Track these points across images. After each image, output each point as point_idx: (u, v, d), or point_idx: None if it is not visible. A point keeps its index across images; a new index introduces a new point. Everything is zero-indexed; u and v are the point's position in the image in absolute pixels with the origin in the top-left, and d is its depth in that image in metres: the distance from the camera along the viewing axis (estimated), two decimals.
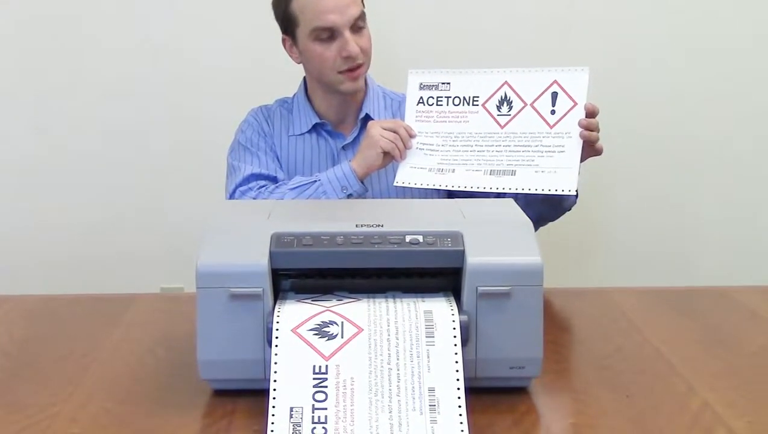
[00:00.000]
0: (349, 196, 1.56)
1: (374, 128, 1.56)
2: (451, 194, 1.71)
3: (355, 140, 1.70)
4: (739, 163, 2.37)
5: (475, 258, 1.00)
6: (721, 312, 1.38)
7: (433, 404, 0.91)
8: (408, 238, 1.02)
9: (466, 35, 2.29)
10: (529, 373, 1.03)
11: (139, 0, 2.25)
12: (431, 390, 0.92)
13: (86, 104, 2.28)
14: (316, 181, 1.58)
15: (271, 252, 1.00)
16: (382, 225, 1.04)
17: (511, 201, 1.21)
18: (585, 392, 1.07)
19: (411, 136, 1.55)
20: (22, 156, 2.30)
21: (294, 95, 1.78)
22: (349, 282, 1.05)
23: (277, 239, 1.01)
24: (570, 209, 1.62)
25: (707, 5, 2.30)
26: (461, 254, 1.00)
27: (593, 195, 2.39)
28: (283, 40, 1.71)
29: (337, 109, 1.73)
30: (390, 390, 0.92)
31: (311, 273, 1.04)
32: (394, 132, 1.54)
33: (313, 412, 0.90)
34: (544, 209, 1.58)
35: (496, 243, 1.02)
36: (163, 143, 2.30)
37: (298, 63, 1.71)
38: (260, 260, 0.99)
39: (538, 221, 1.62)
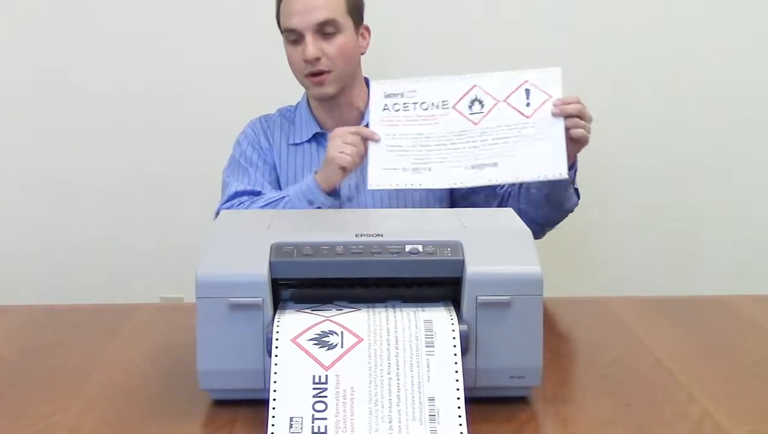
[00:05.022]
0: (319, 207, 1.55)
1: (334, 141, 1.52)
2: (453, 204, 1.72)
3: None
4: (739, 171, 2.38)
5: (474, 268, 1.00)
6: (721, 322, 1.38)
7: (433, 414, 0.91)
8: (407, 248, 1.02)
9: (464, 39, 2.29)
10: (529, 382, 1.03)
11: (141, 4, 2.25)
12: (431, 399, 0.92)
13: (85, 112, 2.28)
14: (284, 196, 1.58)
15: (270, 262, 1.00)
16: (382, 235, 1.04)
17: (510, 210, 1.22)
18: (585, 401, 1.07)
19: (375, 141, 1.50)
20: (21, 165, 2.30)
21: (297, 103, 1.78)
22: (349, 292, 1.04)
23: (277, 249, 1.01)
24: (572, 210, 1.62)
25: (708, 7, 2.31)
26: (461, 264, 1.00)
27: (593, 204, 2.39)
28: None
29: (332, 115, 1.72)
30: (390, 399, 0.92)
31: (311, 283, 1.04)
32: (354, 145, 1.50)
33: (312, 422, 0.90)
34: (547, 210, 1.58)
35: (496, 253, 1.02)
36: (163, 152, 2.30)
37: None
38: (260, 270, 0.99)
39: (543, 225, 1.62)
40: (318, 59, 1.61)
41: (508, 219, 1.16)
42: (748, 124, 2.35)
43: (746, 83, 2.33)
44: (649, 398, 1.06)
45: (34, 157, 2.30)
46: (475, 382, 1.00)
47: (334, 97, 1.67)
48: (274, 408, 0.91)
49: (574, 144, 1.47)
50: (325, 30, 1.61)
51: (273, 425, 0.90)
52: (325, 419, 0.90)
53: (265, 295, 0.99)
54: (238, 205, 1.63)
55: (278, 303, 1.03)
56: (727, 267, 2.39)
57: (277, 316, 0.98)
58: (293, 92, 1.79)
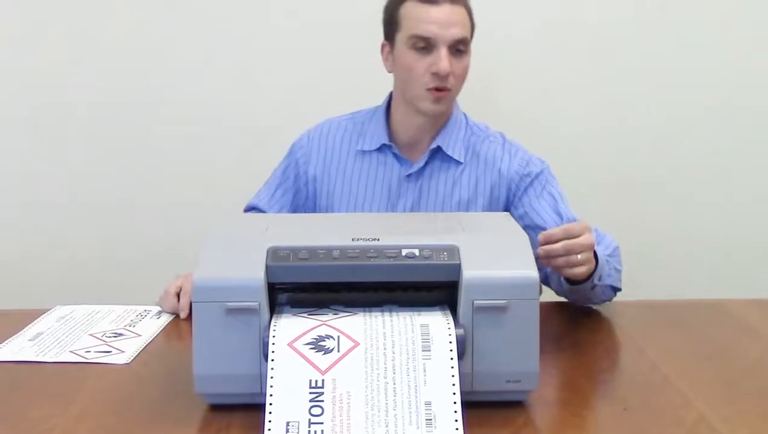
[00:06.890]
0: None
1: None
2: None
3: (422, 169, 1.61)
4: (733, 176, 2.38)
5: (471, 272, 1.00)
6: (717, 325, 1.39)
7: (429, 418, 0.91)
8: (404, 252, 1.02)
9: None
10: (525, 386, 1.03)
11: (148, 2, 2.25)
12: (428, 404, 0.92)
13: (84, 113, 2.28)
14: None
15: (267, 266, 1.00)
16: (378, 239, 1.04)
17: (507, 214, 1.22)
18: (581, 405, 1.07)
19: None
20: (20, 167, 2.30)
21: (376, 108, 1.69)
22: (346, 296, 1.05)
23: (273, 253, 1.01)
24: (608, 300, 1.50)
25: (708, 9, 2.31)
26: (457, 268, 1.01)
27: (587, 209, 2.40)
28: (382, 46, 1.64)
29: (414, 131, 1.63)
30: (386, 404, 0.92)
31: (307, 287, 1.04)
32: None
33: (309, 427, 0.90)
34: (574, 299, 1.49)
35: (492, 257, 1.02)
36: (167, 155, 2.30)
37: (390, 72, 1.63)
38: (256, 274, 0.99)
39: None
40: (447, 76, 1.54)
41: (504, 223, 1.16)
42: (743, 129, 2.36)
43: (745, 84, 2.33)
44: (645, 402, 1.07)
45: (31, 158, 2.30)
46: (472, 386, 1.00)
47: (438, 116, 1.61)
48: (270, 413, 0.91)
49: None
50: (459, 47, 1.54)
51: (269, 430, 0.90)
52: (322, 423, 0.90)
53: (262, 299, 0.99)
54: None
55: (275, 308, 1.03)
56: (722, 270, 2.39)
57: (273, 320, 0.98)
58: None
